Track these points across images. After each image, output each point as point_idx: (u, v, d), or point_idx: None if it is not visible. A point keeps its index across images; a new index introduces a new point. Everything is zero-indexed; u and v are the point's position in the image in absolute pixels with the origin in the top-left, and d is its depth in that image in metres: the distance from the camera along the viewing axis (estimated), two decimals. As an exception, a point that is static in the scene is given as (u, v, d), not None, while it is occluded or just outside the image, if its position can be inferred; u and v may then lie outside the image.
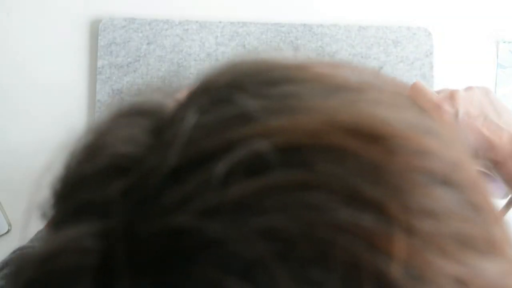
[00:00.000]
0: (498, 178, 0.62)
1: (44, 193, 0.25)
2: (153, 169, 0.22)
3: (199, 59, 0.80)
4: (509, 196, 0.66)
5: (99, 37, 0.80)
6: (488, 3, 0.83)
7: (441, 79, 0.82)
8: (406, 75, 0.81)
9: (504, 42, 0.82)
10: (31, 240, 0.54)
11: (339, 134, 0.22)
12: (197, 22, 0.80)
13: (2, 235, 0.77)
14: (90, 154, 0.24)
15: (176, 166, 0.22)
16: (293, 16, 0.81)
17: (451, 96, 0.63)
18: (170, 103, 0.26)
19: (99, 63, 0.80)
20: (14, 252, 0.52)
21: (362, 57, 0.81)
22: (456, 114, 0.62)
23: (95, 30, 0.81)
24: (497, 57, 0.82)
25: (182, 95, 0.26)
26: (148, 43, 0.80)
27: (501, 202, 0.66)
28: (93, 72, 0.81)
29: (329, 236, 0.20)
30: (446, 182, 0.23)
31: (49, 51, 0.81)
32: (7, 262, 0.49)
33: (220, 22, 0.81)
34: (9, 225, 0.77)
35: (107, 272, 0.21)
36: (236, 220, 0.20)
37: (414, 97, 0.76)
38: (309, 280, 0.20)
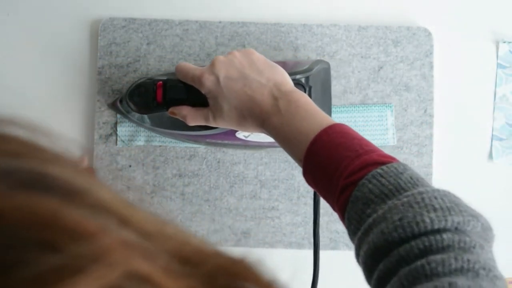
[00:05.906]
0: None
1: None
2: None
3: (199, 59, 0.80)
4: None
5: (99, 37, 0.80)
6: (488, 3, 0.83)
7: (441, 79, 0.82)
8: (406, 75, 0.81)
9: (504, 42, 0.82)
10: None
11: None
12: (197, 22, 0.81)
13: None
14: None
15: None
16: (293, 16, 0.81)
17: (212, 64, 0.64)
18: None
19: (99, 63, 0.80)
20: None
21: (362, 57, 0.81)
22: (218, 79, 0.63)
23: (95, 30, 0.81)
24: (497, 57, 0.82)
25: None
26: (148, 43, 0.80)
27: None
28: (93, 72, 0.81)
29: None
30: None
31: (49, 51, 0.81)
32: None
33: (220, 22, 0.81)
34: None
35: None
36: None
37: (181, 78, 0.76)
38: None
